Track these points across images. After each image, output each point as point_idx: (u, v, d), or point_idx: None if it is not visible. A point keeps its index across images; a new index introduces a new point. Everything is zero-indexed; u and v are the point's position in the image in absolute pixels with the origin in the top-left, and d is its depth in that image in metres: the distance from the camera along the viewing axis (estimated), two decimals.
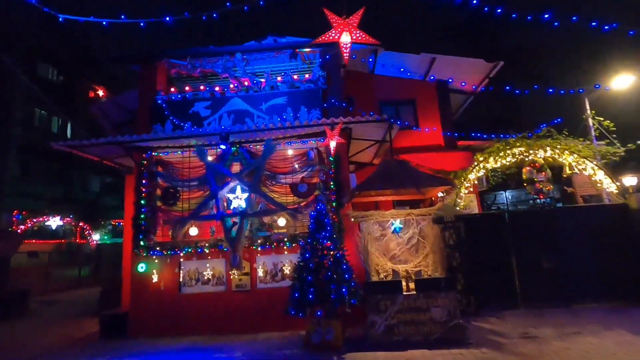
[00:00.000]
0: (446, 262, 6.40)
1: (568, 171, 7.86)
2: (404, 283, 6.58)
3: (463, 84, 11.88)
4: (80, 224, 19.19)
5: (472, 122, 14.25)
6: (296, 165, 7.98)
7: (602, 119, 8.80)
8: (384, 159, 7.28)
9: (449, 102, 12.33)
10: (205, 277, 7.77)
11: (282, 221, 7.64)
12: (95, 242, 20.15)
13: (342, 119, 7.29)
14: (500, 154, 7.86)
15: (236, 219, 7.39)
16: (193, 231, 7.59)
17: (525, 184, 7.87)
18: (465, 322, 6.26)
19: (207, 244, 7.71)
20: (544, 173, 7.72)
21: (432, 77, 12.10)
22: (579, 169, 7.72)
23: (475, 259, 7.44)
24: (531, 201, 17.14)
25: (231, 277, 7.54)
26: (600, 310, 7.06)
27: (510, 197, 16.52)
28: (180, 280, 7.80)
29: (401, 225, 7.65)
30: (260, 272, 7.72)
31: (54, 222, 16.87)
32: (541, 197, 7.76)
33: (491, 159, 7.99)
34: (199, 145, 7.88)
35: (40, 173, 23.26)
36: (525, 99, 9.91)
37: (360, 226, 7.61)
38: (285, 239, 7.66)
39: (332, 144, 7.17)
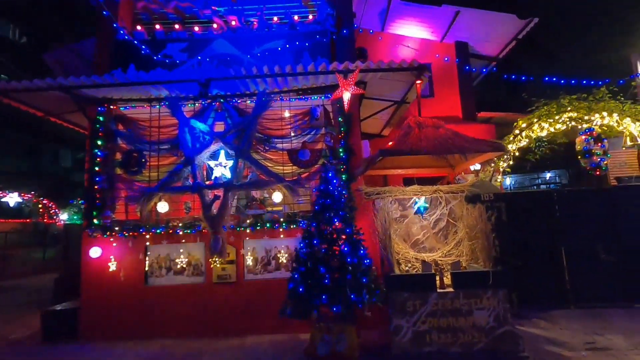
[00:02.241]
0: (492, 251, 4.96)
1: (629, 142, 6.42)
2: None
3: (486, 46, 10.30)
4: (45, 201, 17.11)
5: (491, 92, 12.72)
6: (297, 127, 6.30)
7: None
8: (407, 122, 5.68)
9: (469, 68, 10.72)
10: (179, 266, 6.12)
11: (277, 196, 6.00)
12: (62, 222, 18.13)
13: (360, 64, 5.61)
14: (550, 120, 6.34)
15: (218, 192, 5.70)
16: (162, 207, 5.88)
17: (578, 157, 6.40)
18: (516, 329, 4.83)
19: (180, 224, 6.03)
20: (600, 143, 6.25)
21: (450, 39, 10.47)
22: None
23: (517, 247, 5.99)
24: (534, 187, 15.92)
25: (212, 265, 5.91)
26: None
27: (513, 183, 15.21)
28: (147, 269, 6.13)
29: (426, 205, 6.13)
30: (249, 260, 6.12)
31: (11, 198, 14.78)
32: (598, 173, 6.33)
33: (536, 126, 6.47)
34: (171, 98, 6.09)
35: (2, 144, 20.86)
36: (555, 65, 8.35)
37: (375, 205, 6.05)
38: (282, 219, 6.04)
39: (346, 97, 5.50)
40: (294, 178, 6.03)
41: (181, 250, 6.11)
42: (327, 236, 4.84)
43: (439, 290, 4.86)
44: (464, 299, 4.78)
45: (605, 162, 6.26)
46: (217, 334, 5.88)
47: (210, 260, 5.88)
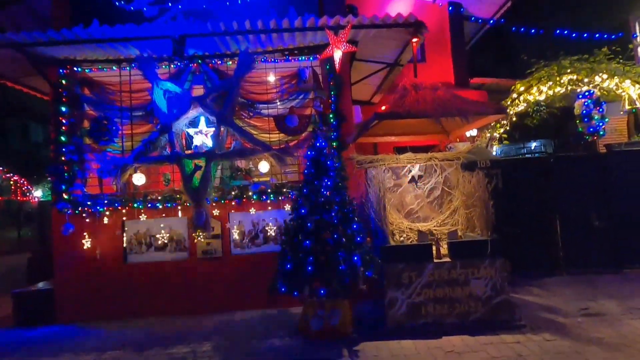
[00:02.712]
0: (490, 220, 4.77)
1: (627, 106, 6.22)
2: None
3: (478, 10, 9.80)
4: (15, 178, 16.17)
5: (484, 58, 12.32)
6: (283, 91, 5.81)
7: None
8: (402, 84, 5.27)
9: (463, 32, 10.25)
10: (160, 242, 5.75)
11: (264, 166, 5.61)
12: (37, 199, 17.29)
13: (353, 19, 5.09)
14: (549, 83, 6.04)
15: (200, 162, 5.26)
16: (138, 179, 5.41)
17: (577, 121, 6.18)
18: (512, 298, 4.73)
19: (160, 197, 5.59)
20: (598, 107, 6.03)
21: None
22: None
23: (511, 214, 5.85)
24: (519, 156, 15.96)
25: (195, 240, 5.56)
26: None
27: (499, 152, 15.19)
28: (125, 245, 5.74)
29: (421, 173, 5.86)
30: (235, 234, 5.79)
31: None
32: (595, 138, 6.15)
33: (534, 89, 6.18)
34: (142, 57, 5.46)
35: None
36: (551, 30, 7.98)
37: (368, 174, 5.74)
38: (269, 190, 5.68)
39: (337, 55, 5.02)
40: (282, 146, 5.62)
41: (162, 225, 5.71)
42: (317, 207, 4.52)
43: (435, 261, 4.68)
44: (461, 268, 4.61)
45: (603, 127, 6.07)
46: (204, 311, 5.63)
47: (193, 235, 5.52)
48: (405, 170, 5.89)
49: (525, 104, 6.29)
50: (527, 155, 14.44)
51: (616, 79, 6.03)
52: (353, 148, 6.06)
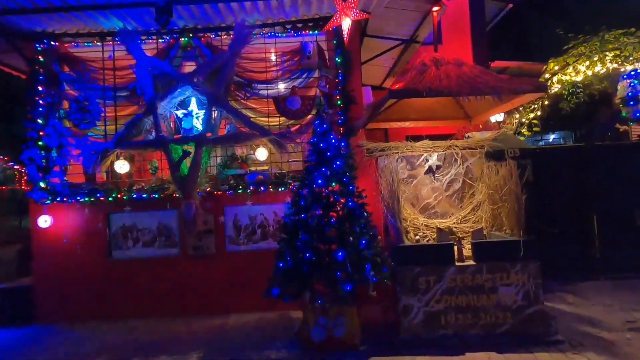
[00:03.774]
0: (523, 217, 4.09)
1: None
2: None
3: None
4: (17, 167, 15.84)
5: (503, 44, 11.42)
6: (284, 69, 5.15)
7: None
8: (421, 59, 4.56)
9: (483, 11, 9.40)
10: (147, 237, 5.20)
11: (262, 153, 4.99)
12: None
13: None
14: (587, 62, 5.26)
15: (189, 148, 4.66)
16: (121, 167, 4.84)
17: (620, 105, 5.41)
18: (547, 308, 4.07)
19: (147, 187, 5.03)
20: None
21: None
22: None
23: (542, 210, 5.15)
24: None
25: (185, 235, 5.00)
26: None
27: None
28: (109, 240, 5.20)
29: (440, 163, 5.18)
30: (231, 229, 5.21)
31: None
32: (625, 128, 5.38)
33: (570, 68, 5.40)
34: (125, 30, 4.84)
35: None
36: (576, 14, 7.11)
37: (379, 164, 5.09)
38: (268, 181, 5.07)
39: (346, 24, 4.34)
40: (282, 131, 4.98)
41: (149, 219, 5.15)
42: (322, 200, 3.89)
43: (457, 264, 4.03)
44: (488, 273, 3.96)
45: None
46: (195, 313, 5.09)
47: (184, 229, 4.96)
48: (421, 159, 5.22)
49: (559, 86, 5.53)
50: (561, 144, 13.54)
51: None
52: (362, 134, 5.41)
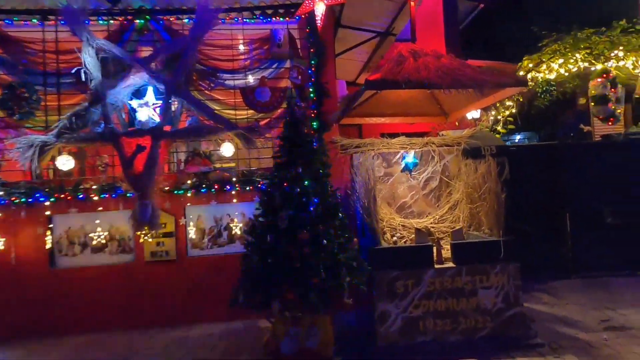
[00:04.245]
0: (502, 216, 3.95)
1: None
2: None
3: None
4: None
5: (478, 40, 11.52)
6: (252, 57, 4.76)
7: None
8: (398, 51, 4.33)
9: (457, 9, 9.37)
10: (96, 242, 4.64)
11: (227, 148, 4.58)
12: None
13: None
14: (561, 60, 5.25)
15: (144, 142, 4.16)
16: (63, 163, 4.27)
17: (592, 104, 5.44)
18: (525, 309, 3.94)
19: (95, 186, 4.47)
20: (614, 90, 5.31)
21: None
22: None
23: (517, 208, 5.07)
24: None
25: (141, 240, 4.50)
26: None
27: None
28: (52, 246, 4.60)
29: (417, 160, 4.98)
30: (193, 232, 4.76)
31: None
32: (611, 122, 5.44)
33: (544, 66, 5.37)
34: (69, 8, 4.26)
35: None
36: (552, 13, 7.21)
37: (354, 161, 4.82)
38: (234, 179, 4.67)
39: (320, 9, 4.04)
40: (250, 125, 4.59)
41: (98, 221, 4.60)
42: (292, 200, 3.55)
43: (436, 266, 3.82)
44: (467, 275, 3.78)
45: (618, 111, 5.37)
46: (154, 325, 4.61)
47: (140, 233, 4.46)
48: (397, 157, 5.00)
49: (533, 83, 5.50)
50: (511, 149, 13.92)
51: (633, 58, 5.31)
52: (336, 130, 5.13)
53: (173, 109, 4.43)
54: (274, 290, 3.35)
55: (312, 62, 4.80)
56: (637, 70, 5.45)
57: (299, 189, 3.55)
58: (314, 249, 3.39)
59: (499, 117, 5.62)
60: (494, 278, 3.78)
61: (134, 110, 4.41)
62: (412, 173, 4.97)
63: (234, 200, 4.72)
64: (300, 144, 3.76)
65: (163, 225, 4.61)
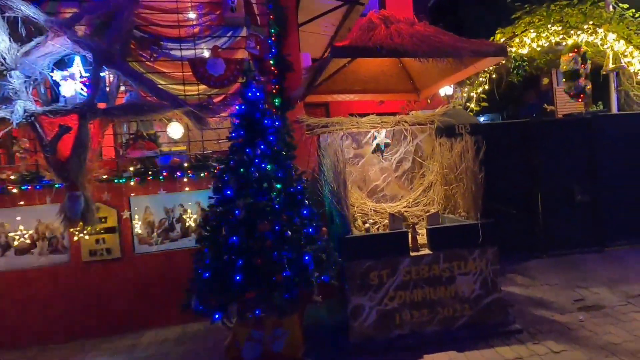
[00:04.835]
0: (481, 198, 3.70)
1: (611, 66, 5.48)
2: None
3: None
4: None
5: (447, 17, 11.30)
6: (202, 24, 4.13)
7: None
8: (368, 17, 3.88)
9: None
10: (19, 241, 3.93)
11: (175, 129, 3.98)
12: None
13: None
14: (533, 34, 5.03)
15: (70, 121, 3.46)
16: None
17: (564, 80, 5.31)
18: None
19: (13, 176, 3.74)
20: (584, 65, 5.20)
21: None
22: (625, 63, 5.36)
23: (490, 188, 4.90)
24: None
25: (75, 237, 3.85)
26: (631, 252, 5.26)
27: None
28: None
29: (388, 141, 4.64)
30: (138, 227, 4.16)
31: None
32: (581, 98, 5.35)
33: (517, 39, 5.15)
34: None
35: None
36: None
37: (321, 142, 4.40)
38: (186, 164, 4.09)
39: None
40: (202, 102, 4.00)
41: (18, 218, 3.88)
42: (251, 186, 3.07)
43: (412, 254, 3.52)
44: (445, 262, 3.51)
45: (588, 87, 5.28)
46: (98, 334, 4.02)
47: (74, 230, 3.80)
48: (368, 137, 4.63)
49: (505, 60, 5.28)
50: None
51: (601, 32, 5.21)
52: (301, 108, 4.64)
53: (108, 82, 3.75)
54: (231, 291, 2.89)
55: (272, 31, 4.25)
56: (605, 46, 5.36)
57: (258, 174, 3.08)
58: (277, 242, 2.95)
59: (472, 94, 5.37)
60: (472, 264, 3.55)
61: (57, 84, 3.67)
62: (384, 154, 4.64)
63: (187, 189, 4.16)
64: (259, 122, 3.27)
65: (103, 220, 3.98)
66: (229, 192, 3.08)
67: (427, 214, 4.03)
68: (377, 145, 4.62)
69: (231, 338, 3.23)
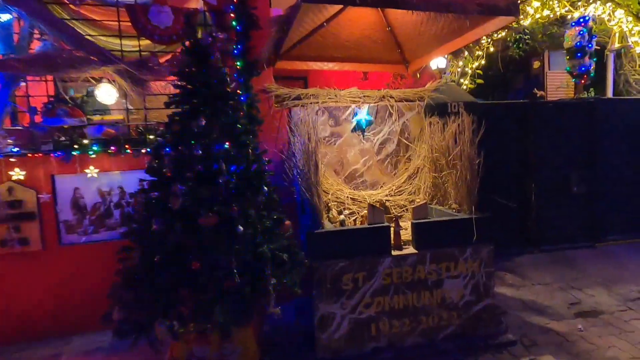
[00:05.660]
0: (477, 187, 3.14)
1: (617, 45, 4.96)
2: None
3: None
4: None
5: None
6: None
7: None
8: None
9: None
10: None
11: (106, 92, 3.18)
12: None
13: None
14: (536, 3, 4.43)
15: None
16: None
17: (567, 57, 4.77)
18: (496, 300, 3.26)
19: None
20: (589, 42, 4.66)
21: None
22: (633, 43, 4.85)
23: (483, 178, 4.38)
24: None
25: None
26: (625, 248, 4.92)
27: None
28: None
29: (371, 118, 3.99)
30: (68, 212, 3.40)
31: None
32: (584, 80, 4.83)
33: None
34: None
35: None
36: None
37: (292, 117, 3.72)
38: (122, 137, 3.32)
39: None
40: (142, 59, 3.20)
41: None
42: (194, 166, 2.37)
43: (394, 253, 2.95)
44: (432, 263, 2.97)
45: (592, 67, 4.77)
46: (14, 342, 3.31)
47: None
48: (347, 113, 3.97)
49: (505, 31, 4.69)
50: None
51: (610, 6, 4.66)
52: (270, 74, 3.91)
53: (18, 29, 2.90)
54: (161, 303, 2.24)
55: None
56: (611, 23, 4.83)
57: (201, 151, 2.38)
58: (224, 239, 2.30)
59: (466, 69, 4.77)
60: (463, 265, 3.02)
61: None
62: (365, 134, 4.01)
63: (128, 167, 3.40)
64: (208, 85, 2.54)
65: (16, 204, 3.20)
66: (164, 175, 2.38)
67: (413, 205, 3.45)
68: (358, 123, 3.97)
69: (169, 355, 2.60)
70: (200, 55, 2.57)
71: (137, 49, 3.32)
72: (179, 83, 2.56)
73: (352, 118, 3.97)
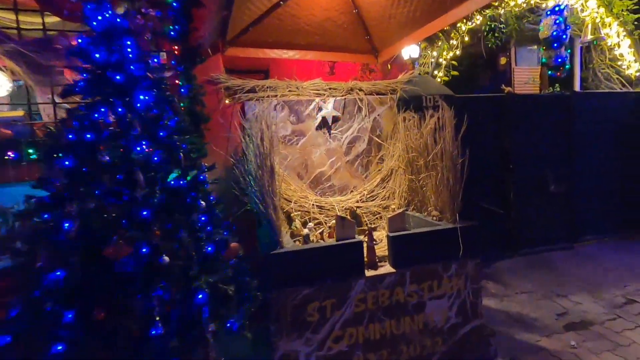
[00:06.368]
0: (460, 191, 2.72)
1: (590, 36, 4.78)
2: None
3: None
4: None
5: None
6: None
7: None
8: None
9: None
10: None
11: None
12: None
13: None
14: None
15: None
16: None
17: (543, 48, 4.51)
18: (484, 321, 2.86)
19: None
20: (567, 32, 4.43)
21: None
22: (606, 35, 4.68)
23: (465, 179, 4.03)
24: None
25: None
26: (600, 247, 4.76)
27: None
28: None
29: (338, 113, 3.50)
30: None
31: None
32: (559, 72, 4.61)
33: None
34: None
35: None
36: None
37: (246, 112, 3.17)
38: (23, 139, 2.61)
39: None
40: (42, 38, 2.51)
41: None
42: (99, 179, 1.76)
43: (367, 274, 2.46)
44: (413, 284, 2.51)
45: (567, 59, 4.55)
46: None
47: None
48: (311, 108, 3.45)
49: (479, 19, 4.36)
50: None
51: None
52: (220, 63, 3.32)
53: None
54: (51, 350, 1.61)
55: None
56: (584, 13, 4.64)
57: (110, 158, 1.76)
58: (142, 275, 1.70)
59: (440, 59, 4.39)
60: (448, 283, 2.59)
61: None
62: (332, 131, 3.51)
63: (26, 178, 2.69)
64: (119, 67, 1.93)
65: None
66: (58, 189, 1.75)
67: (387, 212, 2.99)
68: (323, 119, 3.47)
69: None
70: (104, 25, 1.95)
71: (40, 27, 2.60)
72: (85, 66, 1.94)
73: (317, 114, 3.46)
